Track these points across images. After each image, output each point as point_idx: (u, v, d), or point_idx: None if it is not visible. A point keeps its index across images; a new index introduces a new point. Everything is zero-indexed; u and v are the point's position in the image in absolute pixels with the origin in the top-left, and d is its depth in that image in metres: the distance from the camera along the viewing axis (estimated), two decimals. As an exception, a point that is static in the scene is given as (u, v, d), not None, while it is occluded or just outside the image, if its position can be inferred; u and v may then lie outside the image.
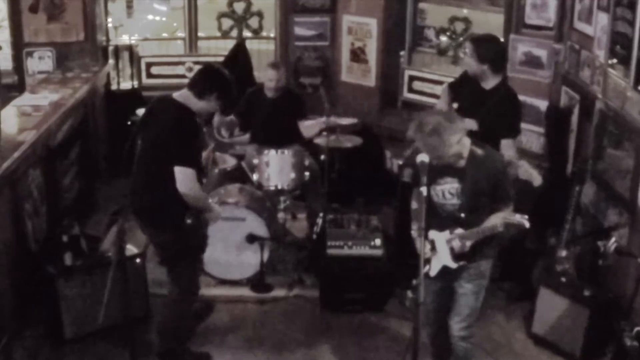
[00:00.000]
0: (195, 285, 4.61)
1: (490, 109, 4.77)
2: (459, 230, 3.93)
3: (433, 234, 4.01)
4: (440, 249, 4.01)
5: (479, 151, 3.91)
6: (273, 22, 8.33)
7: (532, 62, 6.54)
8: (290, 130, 6.06)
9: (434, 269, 4.04)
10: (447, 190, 3.95)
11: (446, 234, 3.98)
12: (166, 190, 4.12)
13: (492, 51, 4.89)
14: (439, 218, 3.98)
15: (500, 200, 3.92)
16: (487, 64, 4.84)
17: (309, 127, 6.07)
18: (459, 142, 3.82)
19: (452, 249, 3.96)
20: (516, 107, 5.01)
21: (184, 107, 4.22)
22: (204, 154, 5.16)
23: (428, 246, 3.99)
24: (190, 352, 4.68)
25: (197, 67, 7.95)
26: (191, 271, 4.53)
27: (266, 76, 6.06)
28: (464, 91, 5.10)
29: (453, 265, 4.00)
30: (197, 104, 4.24)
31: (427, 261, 4.00)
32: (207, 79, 4.30)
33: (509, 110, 4.91)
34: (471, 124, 4.62)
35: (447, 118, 3.84)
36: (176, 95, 4.28)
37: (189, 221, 4.23)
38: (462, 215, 3.94)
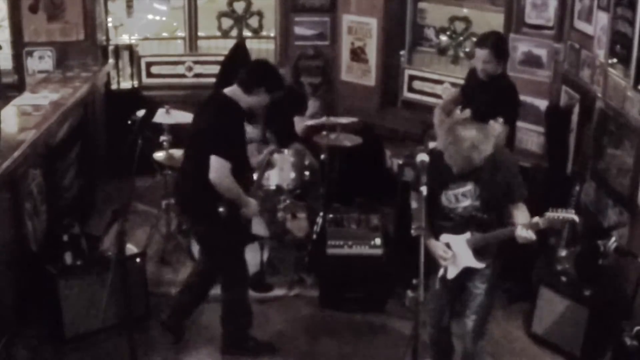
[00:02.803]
0: (241, 277, 4.65)
1: (491, 97, 4.84)
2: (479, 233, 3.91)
3: (447, 237, 3.98)
4: (460, 252, 3.97)
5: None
6: (273, 21, 8.33)
7: (532, 61, 6.55)
8: (292, 128, 6.07)
9: (451, 273, 4.02)
10: (461, 193, 3.89)
11: (466, 235, 3.93)
12: (202, 179, 4.20)
13: (506, 47, 5.13)
14: (452, 221, 3.95)
15: (516, 196, 3.87)
16: (503, 60, 5.05)
17: (299, 122, 6.05)
18: None
19: (475, 250, 3.93)
20: (515, 96, 5.11)
21: (230, 100, 4.32)
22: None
23: (450, 253, 3.95)
24: (254, 339, 4.78)
25: (197, 67, 8.07)
26: (233, 264, 4.58)
27: None
28: (467, 87, 5.24)
29: (478, 265, 3.97)
30: (246, 99, 4.32)
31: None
32: (253, 74, 4.39)
33: (508, 98, 4.99)
34: (467, 113, 4.84)
35: (480, 130, 3.77)
36: (226, 90, 4.39)
37: (221, 210, 4.28)
38: (485, 215, 3.89)
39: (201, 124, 4.37)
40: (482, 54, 4.97)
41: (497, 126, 4.75)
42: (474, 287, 4.06)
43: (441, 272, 4.01)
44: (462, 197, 3.90)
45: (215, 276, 4.74)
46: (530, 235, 3.70)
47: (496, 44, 5.01)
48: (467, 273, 4.04)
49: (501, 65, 5.04)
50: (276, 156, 5.68)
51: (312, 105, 6.08)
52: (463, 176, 3.86)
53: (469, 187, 3.87)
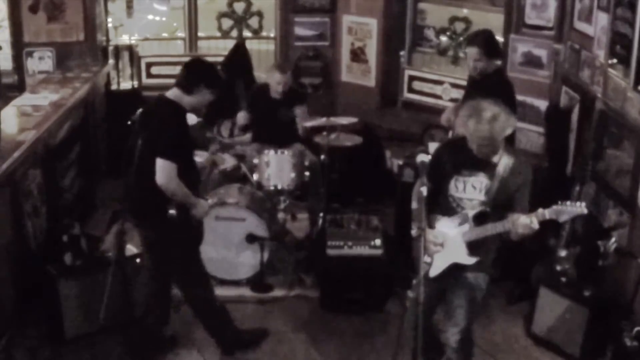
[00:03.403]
0: (198, 277, 4.57)
1: (485, 94, 4.85)
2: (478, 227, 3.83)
3: (444, 227, 3.92)
4: (453, 245, 3.90)
5: (513, 156, 3.85)
6: (273, 22, 8.35)
7: (532, 62, 6.56)
8: (293, 129, 6.09)
9: (436, 269, 3.95)
10: (471, 183, 3.85)
11: (465, 227, 3.88)
12: (150, 184, 4.15)
13: (496, 45, 5.14)
14: (453, 214, 3.90)
15: (518, 207, 3.80)
16: (494, 58, 5.06)
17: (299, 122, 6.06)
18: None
19: (469, 243, 3.86)
20: (511, 94, 5.10)
21: (173, 103, 4.31)
22: (206, 156, 5.15)
23: (441, 239, 3.88)
24: (245, 331, 4.80)
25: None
26: (188, 266, 4.50)
27: (274, 79, 6.05)
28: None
29: (468, 261, 3.89)
30: (188, 99, 4.30)
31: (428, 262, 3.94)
32: (190, 73, 4.37)
33: (504, 97, 4.99)
34: None
35: (503, 109, 3.74)
36: (168, 93, 4.36)
37: (171, 211, 4.22)
38: (488, 209, 3.83)
39: (149, 131, 4.31)
40: (472, 52, 5.03)
41: None
42: (455, 299, 3.99)
43: (425, 269, 3.86)
44: (471, 188, 3.85)
45: (167, 287, 4.67)
46: (533, 222, 3.63)
47: (485, 41, 5.03)
48: (450, 284, 3.97)
49: (493, 63, 5.03)
50: (274, 156, 5.69)
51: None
52: (479, 165, 3.81)
53: (481, 178, 3.83)
